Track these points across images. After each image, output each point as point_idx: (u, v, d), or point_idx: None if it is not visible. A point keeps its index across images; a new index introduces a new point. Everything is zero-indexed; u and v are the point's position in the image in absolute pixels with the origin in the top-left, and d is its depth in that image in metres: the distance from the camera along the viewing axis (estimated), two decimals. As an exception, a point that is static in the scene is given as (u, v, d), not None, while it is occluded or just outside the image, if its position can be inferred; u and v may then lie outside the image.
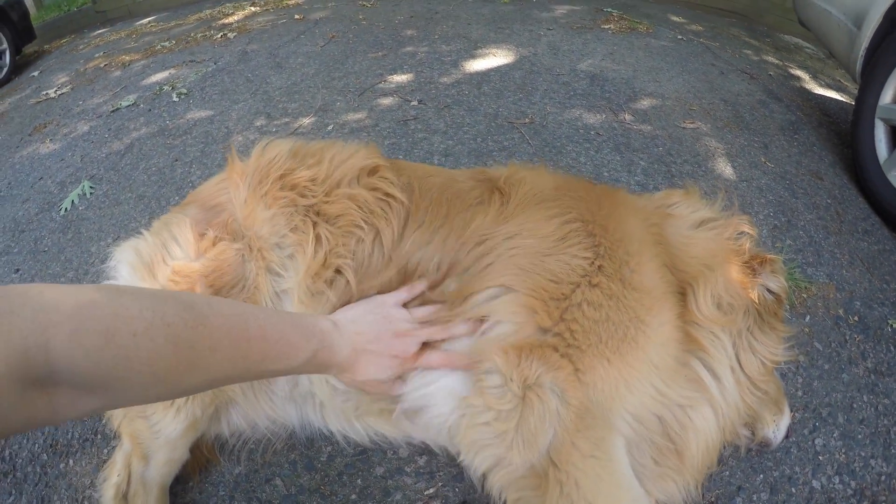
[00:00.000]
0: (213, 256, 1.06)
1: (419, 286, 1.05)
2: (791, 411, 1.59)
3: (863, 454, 1.56)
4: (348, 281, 1.05)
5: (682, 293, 1.11)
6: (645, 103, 2.88)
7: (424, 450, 1.26)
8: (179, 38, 3.87)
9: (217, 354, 0.69)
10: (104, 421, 1.36)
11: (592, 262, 1.02)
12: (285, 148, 1.15)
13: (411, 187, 1.13)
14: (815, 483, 1.47)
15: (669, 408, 1.04)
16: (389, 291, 1.07)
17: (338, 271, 1.05)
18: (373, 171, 1.13)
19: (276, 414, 1.18)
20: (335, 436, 1.17)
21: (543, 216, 1.07)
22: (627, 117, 2.70)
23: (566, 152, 2.39)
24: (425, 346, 1.03)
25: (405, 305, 1.05)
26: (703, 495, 1.40)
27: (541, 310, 0.97)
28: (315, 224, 1.07)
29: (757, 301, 1.16)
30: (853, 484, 1.49)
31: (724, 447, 1.34)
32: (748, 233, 1.22)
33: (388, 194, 1.09)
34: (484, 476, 0.97)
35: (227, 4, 4.34)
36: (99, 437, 1.36)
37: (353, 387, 1.03)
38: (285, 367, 0.83)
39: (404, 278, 1.06)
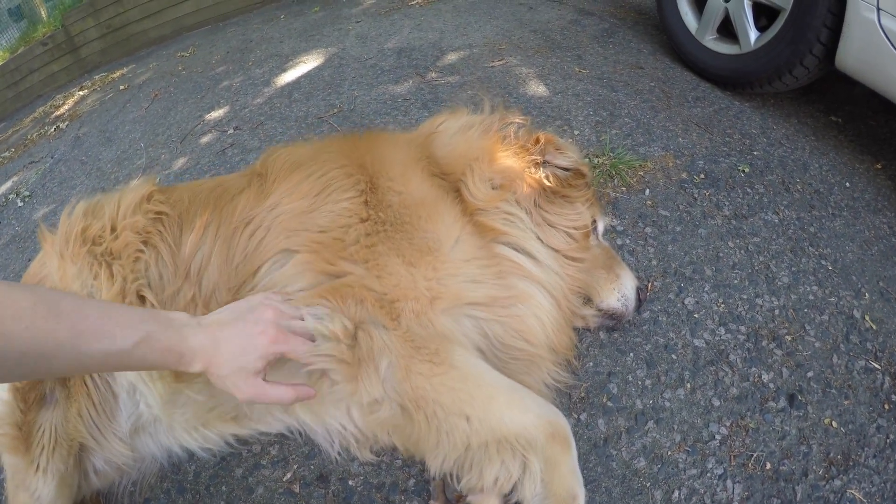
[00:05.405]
0: None
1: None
2: (648, 280, 1.55)
3: (745, 297, 1.52)
4: (151, 301, 1.10)
5: (459, 192, 1.16)
6: (452, 58, 2.91)
7: (275, 439, 1.30)
8: (18, 145, 3.81)
9: (19, 323, 0.67)
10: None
11: (355, 200, 1.08)
12: (80, 209, 1.23)
13: (182, 200, 1.20)
14: (696, 342, 1.40)
15: (495, 305, 1.07)
16: (184, 300, 1.10)
17: (140, 296, 1.10)
18: (148, 198, 1.19)
19: (134, 451, 1.22)
20: (197, 453, 1.23)
21: (300, 179, 1.13)
22: (433, 75, 2.73)
23: (375, 126, 2.39)
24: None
25: None
26: (572, 390, 1.31)
27: (317, 260, 1.02)
28: (109, 264, 1.13)
29: (545, 181, 1.18)
30: (743, 329, 1.44)
31: (574, 329, 1.29)
32: (517, 122, 1.27)
33: (158, 213, 1.16)
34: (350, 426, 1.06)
35: (58, 96, 4.33)
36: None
37: (219, 386, 0.92)
38: (108, 348, 0.76)
39: (193, 284, 1.11)
